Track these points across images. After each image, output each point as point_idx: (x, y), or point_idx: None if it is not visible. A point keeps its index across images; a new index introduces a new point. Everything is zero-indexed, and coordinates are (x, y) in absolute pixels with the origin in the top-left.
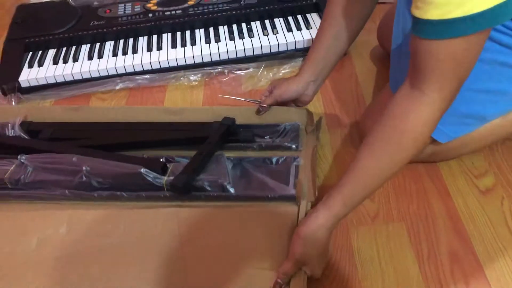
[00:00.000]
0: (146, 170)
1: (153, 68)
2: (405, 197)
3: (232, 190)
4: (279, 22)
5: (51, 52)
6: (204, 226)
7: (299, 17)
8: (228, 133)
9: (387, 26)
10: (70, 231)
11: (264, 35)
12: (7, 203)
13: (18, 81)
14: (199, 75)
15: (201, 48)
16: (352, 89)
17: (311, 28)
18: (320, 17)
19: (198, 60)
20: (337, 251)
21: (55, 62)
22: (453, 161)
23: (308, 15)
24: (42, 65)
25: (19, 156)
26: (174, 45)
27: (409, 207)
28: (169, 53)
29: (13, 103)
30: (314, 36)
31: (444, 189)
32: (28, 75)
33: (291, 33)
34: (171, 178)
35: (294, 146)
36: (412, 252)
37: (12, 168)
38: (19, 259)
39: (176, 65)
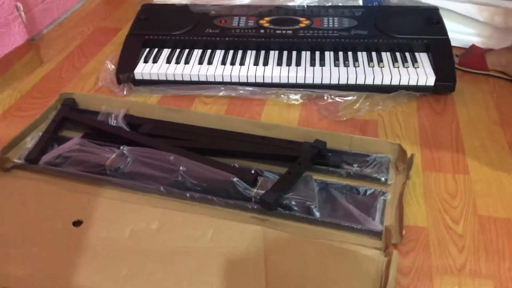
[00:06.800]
0: (238, 179)
1: (256, 81)
2: (496, 254)
3: (317, 214)
4: (386, 56)
5: (166, 52)
6: (288, 253)
7: (407, 54)
8: (318, 155)
9: None
10: (161, 229)
11: (369, 67)
12: (105, 189)
13: (133, 73)
14: (298, 95)
15: (305, 69)
16: (452, 135)
17: (418, 67)
18: (429, 58)
19: (301, 81)
20: None
21: (168, 61)
22: None
23: (416, 54)
24: (156, 62)
25: (121, 147)
26: (279, 63)
27: (500, 266)
28: (274, 70)
29: (125, 92)
30: (419, 76)
31: None
32: (143, 69)
33: (397, 69)
34: (260, 191)
35: (383, 179)
36: None
37: (113, 156)
38: (112, 245)
39: (278, 82)
